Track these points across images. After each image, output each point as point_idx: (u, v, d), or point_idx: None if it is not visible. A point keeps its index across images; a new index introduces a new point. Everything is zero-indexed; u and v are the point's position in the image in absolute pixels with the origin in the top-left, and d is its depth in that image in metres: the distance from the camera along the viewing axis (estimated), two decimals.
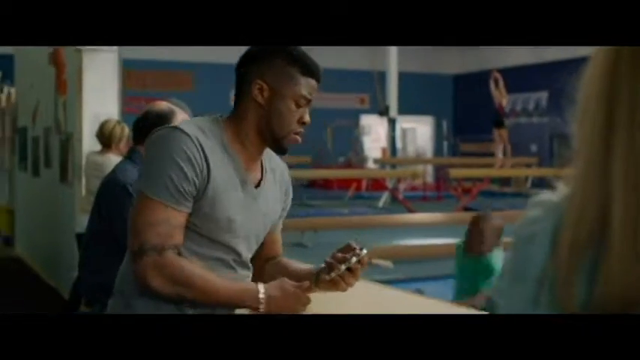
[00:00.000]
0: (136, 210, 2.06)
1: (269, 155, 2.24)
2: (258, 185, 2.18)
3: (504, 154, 17.22)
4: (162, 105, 3.11)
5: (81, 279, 3.67)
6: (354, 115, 23.02)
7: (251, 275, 2.27)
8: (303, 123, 2.15)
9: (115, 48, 6.91)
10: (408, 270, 8.48)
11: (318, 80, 2.17)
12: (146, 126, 2.71)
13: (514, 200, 16.41)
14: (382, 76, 19.04)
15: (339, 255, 2.18)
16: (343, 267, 2.14)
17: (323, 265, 2.21)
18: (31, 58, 9.61)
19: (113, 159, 6.23)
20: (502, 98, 16.77)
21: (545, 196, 0.95)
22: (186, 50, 19.44)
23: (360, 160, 21.46)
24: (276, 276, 2.29)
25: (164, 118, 2.95)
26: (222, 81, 14.88)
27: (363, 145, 22.61)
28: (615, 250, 0.82)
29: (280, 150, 2.18)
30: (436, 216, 11.51)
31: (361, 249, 2.16)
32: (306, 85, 2.14)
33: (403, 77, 19.14)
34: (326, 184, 19.61)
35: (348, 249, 2.18)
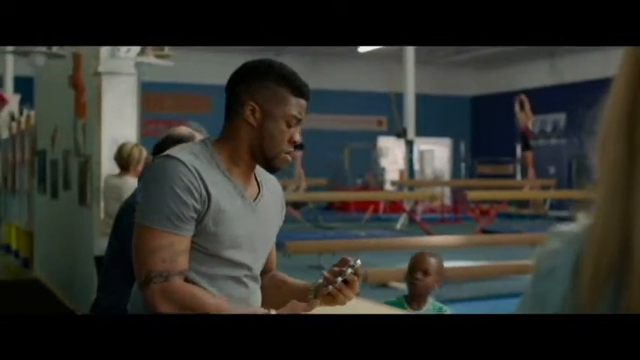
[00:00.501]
0: (138, 241, 2.08)
1: (258, 169, 2.27)
2: (256, 198, 2.21)
3: (526, 175, 17.24)
4: (182, 129, 3.12)
5: (98, 301, 3.66)
6: (372, 137, 23.03)
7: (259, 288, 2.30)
8: (294, 142, 2.17)
9: (133, 71, 6.95)
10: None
11: (307, 99, 2.19)
12: (167, 150, 2.71)
13: (532, 223, 16.34)
14: (399, 98, 19.06)
15: (335, 269, 2.22)
16: (340, 279, 2.17)
17: (320, 280, 2.24)
18: (50, 80, 9.69)
19: (131, 182, 6.25)
20: (528, 121, 16.82)
21: (565, 227, 0.94)
22: (203, 73, 19.55)
23: (378, 183, 21.43)
24: (273, 289, 2.35)
25: (184, 142, 2.95)
26: None
27: (380, 167, 22.60)
28: (637, 280, 0.81)
29: (271, 169, 2.22)
30: (454, 238, 11.46)
31: (355, 260, 2.20)
32: (296, 105, 2.15)
33: (420, 99, 19.15)
34: (343, 206, 19.59)
35: (343, 263, 2.22)
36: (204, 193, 2.05)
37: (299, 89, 2.16)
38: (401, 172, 20.29)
